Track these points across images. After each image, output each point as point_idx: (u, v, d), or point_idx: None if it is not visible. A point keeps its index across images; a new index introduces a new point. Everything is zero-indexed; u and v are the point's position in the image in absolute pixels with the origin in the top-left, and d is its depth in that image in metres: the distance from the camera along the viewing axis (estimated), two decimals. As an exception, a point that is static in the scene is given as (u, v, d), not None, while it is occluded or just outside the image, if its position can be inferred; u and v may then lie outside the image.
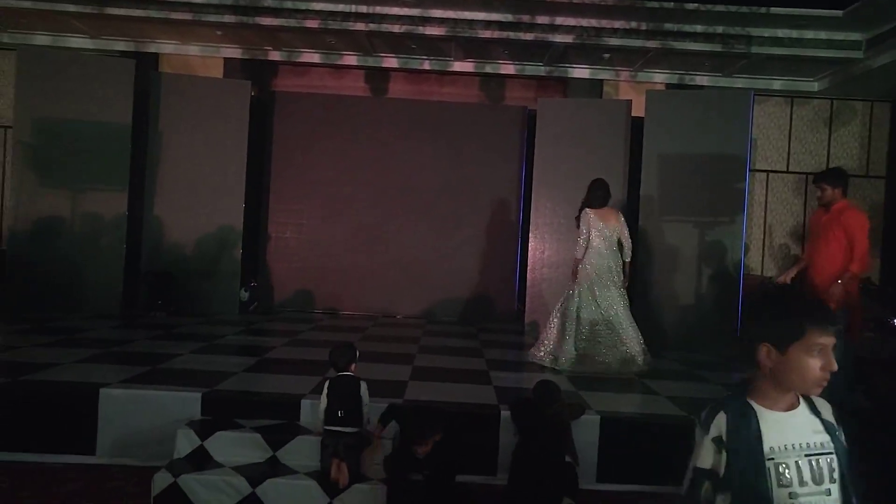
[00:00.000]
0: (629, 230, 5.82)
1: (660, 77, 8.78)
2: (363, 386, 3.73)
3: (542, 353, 5.85)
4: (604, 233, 5.69)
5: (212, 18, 7.64)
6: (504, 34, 7.67)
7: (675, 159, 7.30)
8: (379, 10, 7.51)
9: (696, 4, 6.96)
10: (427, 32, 7.70)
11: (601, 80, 8.90)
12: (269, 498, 3.54)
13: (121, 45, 8.56)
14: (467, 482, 3.79)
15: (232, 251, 8.11)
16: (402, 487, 3.43)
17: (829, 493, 1.59)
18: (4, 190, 8.41)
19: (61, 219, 7.52)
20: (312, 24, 7.60)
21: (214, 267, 8.06)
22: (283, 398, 4.31)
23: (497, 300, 8.94)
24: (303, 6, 7.48)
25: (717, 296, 7.12)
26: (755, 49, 7.58)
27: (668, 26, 7.47)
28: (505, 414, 4.04)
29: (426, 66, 8.85)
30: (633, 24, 7.51)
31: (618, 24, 7.53)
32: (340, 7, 7.49)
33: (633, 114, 7.83)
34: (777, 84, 8.73)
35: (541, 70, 8.80)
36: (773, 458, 1.59)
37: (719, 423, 1.63)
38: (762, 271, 8.89)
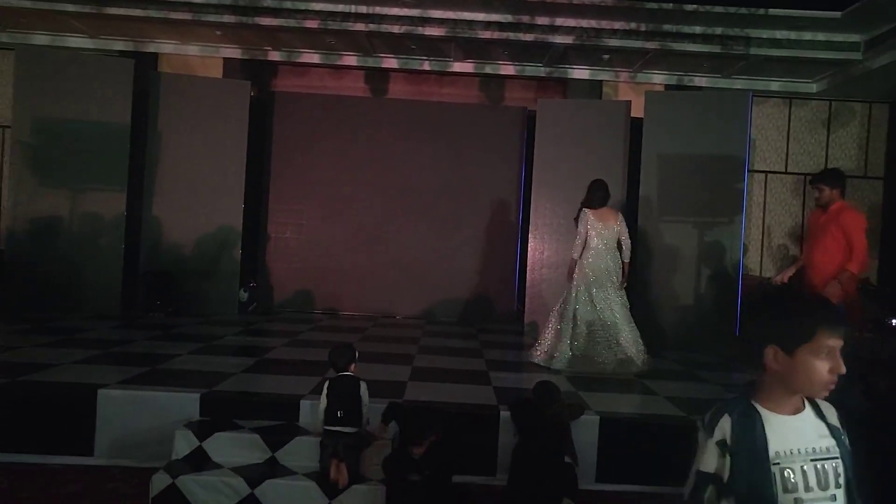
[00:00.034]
0: (629, 230, 5.83)
1: (659, 78, 8.79)
2: (363, 386, 3.73)
3: (539, 353, 5.87)
4: (602, 233, 5.69)
5: (211, 18, 7.63)
6: (504, 35, 7.67)
7: (674, 160, 7.32)
8: (379, 10, 7.51)
9: (695, 6, 6.97)
10: (427, 33, 7.70)
11: (600, 81, 8.90)
12: (268, 499, 3.53)
13: (120, 45, 8.55)
14: (467, 482, 3.79)
15: (231, 251, 8.10)
16: (401, 488, 3.43)
17: (834, 498, 1.57)
18: (3, 190, 8.38)
19: (60, 219, 7.51)
20: (312, 24, 7.59)
21: (214, 267, 8.05)
22: (283, 399, 4.30)
23: (497, 301, 8.93)
24: (302, 6, 7.48)
25: (716, 296, 7.14)
26: (754, 50, 7.59)
27: (668, 27, 7.48)
28: (504, 414, 4.04)
29: (426, 66, 8.85)
30: (633, 26, 7.52)
31: (617, 25, 7.54)
32: (340, 7, 7.49)
33: (633, 114, 7.85)
34: (775, 85, 8.74)
35: (540, 71, 8.80)
36: (778, 463, 1.56)
37: (724, 427, 1.60)
38: (761, 272, 8.90)
